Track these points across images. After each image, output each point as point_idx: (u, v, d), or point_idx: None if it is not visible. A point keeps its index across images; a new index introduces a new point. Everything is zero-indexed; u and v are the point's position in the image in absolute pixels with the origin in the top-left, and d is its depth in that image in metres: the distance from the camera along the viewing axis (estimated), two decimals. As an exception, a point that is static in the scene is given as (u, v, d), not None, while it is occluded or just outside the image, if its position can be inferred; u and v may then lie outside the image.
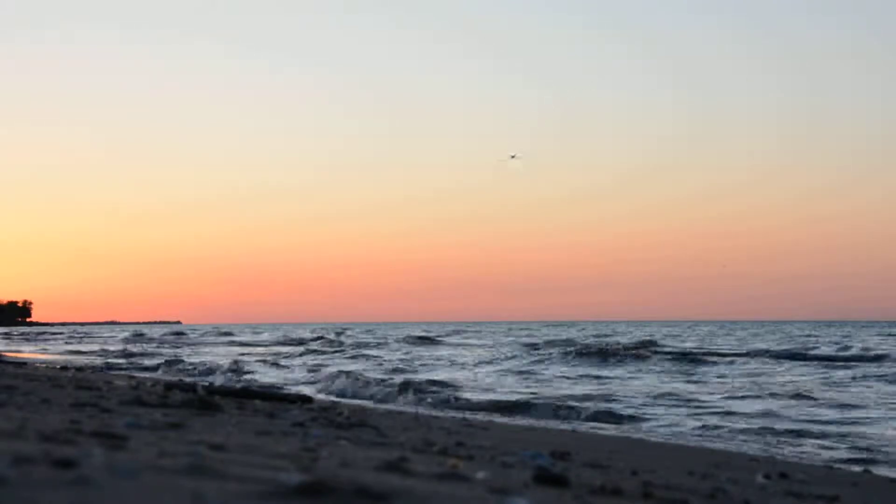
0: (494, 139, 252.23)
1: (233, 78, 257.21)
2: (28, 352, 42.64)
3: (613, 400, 18.22)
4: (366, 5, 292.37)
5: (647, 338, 54.02)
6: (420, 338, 60.95)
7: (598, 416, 15.24)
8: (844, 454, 11.35)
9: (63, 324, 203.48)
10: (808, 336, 65.38)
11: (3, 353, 28.47)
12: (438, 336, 67.30)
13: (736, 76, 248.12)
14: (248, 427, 6.08)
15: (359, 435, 6.41)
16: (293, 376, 26.06)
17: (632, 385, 22.76)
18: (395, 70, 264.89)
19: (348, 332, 78.57)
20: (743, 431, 13.30)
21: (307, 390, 17.55)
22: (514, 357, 35.57)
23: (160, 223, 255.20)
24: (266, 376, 25.61)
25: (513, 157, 56.98)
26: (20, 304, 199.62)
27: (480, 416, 13.80)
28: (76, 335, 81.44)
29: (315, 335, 67.65)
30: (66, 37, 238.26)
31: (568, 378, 25.43)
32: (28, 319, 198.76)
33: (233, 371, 26.10)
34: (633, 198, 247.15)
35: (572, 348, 37.36)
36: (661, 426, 14.22)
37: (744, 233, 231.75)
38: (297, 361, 34.24)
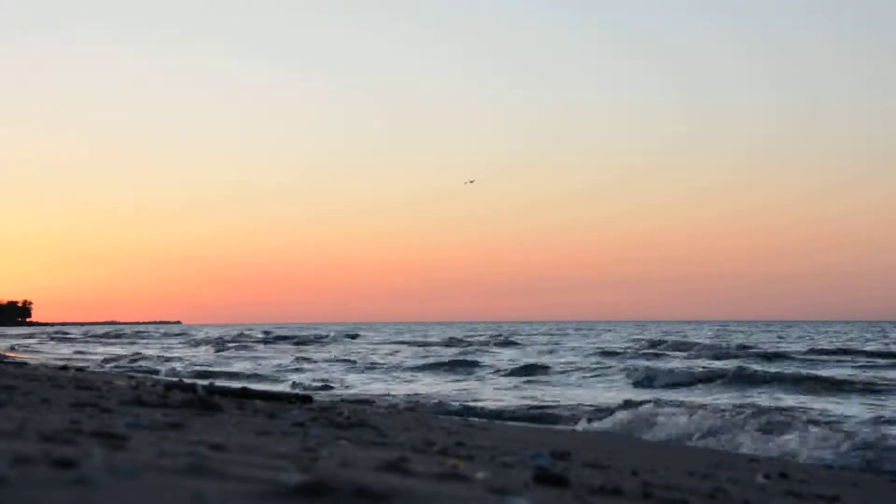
0: (494, 139, 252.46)
1: (233, 78, 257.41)
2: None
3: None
4: (365, 5, 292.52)
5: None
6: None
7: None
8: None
9: (63, 324, 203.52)
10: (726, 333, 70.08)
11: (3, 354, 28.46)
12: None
13: (736, 76, 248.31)
14: (248, 427, 6.08)
15: (359, 435, 6.41)
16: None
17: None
18: (395, 70, 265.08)
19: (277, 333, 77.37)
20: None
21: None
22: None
23: (160, 223, 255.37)
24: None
25: (471, 182, 63.22)
26: (20, 304, 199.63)
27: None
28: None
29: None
30: (66, 37, 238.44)
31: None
32: (28, 319, 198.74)
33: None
34: (633, 198, 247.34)
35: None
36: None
37: (744, 233, 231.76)
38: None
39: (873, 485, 8.05)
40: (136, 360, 32.84)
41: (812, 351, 37.46)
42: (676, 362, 30.08)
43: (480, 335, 66.54)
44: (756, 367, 25.14)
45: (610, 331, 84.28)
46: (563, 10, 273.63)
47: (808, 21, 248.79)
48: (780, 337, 61.71)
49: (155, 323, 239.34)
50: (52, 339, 66.47)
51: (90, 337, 72.38)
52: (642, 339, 51.86)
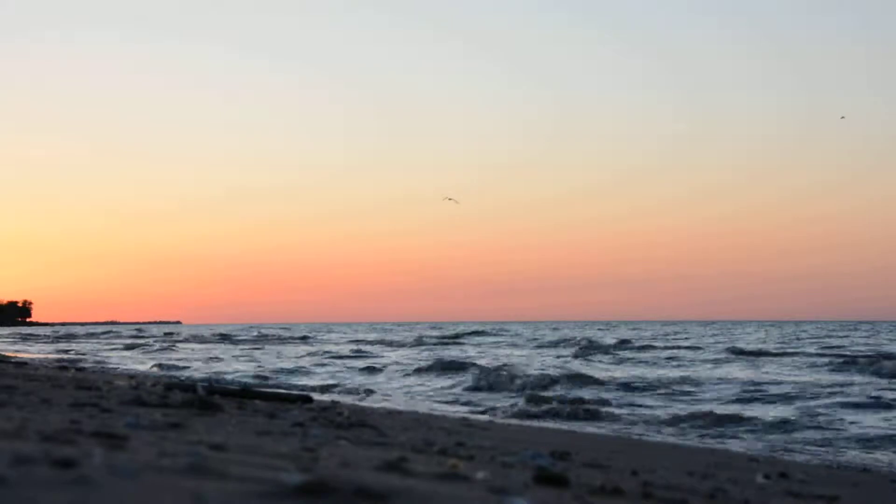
0: (494, 139, 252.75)
1: (233, 78, 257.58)
2: None
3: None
4: (365, 5, 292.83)
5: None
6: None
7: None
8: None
9: (63, 324, 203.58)
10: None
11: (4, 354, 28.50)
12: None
13: (736, 76, 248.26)
14: (248, 427, 6.08)
15: (359, 435, 6.41)
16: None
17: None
18: (395, 70, 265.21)
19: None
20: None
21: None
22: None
23: (160, 223, 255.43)
24: None
25: (449, 199, 64.79)
26: (20, 304, 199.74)
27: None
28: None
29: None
30: (66, 38, 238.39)
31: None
32: (28, 319, 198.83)
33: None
34: (633, 198, 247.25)
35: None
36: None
37: (744, 233, 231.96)
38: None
39: (873, 485, 8.05)
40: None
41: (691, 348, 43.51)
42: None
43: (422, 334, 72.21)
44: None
45: (605, 329, 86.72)
46: (563, 9, 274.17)
47: (808, 21, 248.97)
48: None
49: (155, 323, 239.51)
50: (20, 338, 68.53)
51: (57, 337, 74.56)
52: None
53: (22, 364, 20.23)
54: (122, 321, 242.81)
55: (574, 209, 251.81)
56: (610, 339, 54.59)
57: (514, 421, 14.27)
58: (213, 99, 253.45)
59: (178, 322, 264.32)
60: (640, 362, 33.47)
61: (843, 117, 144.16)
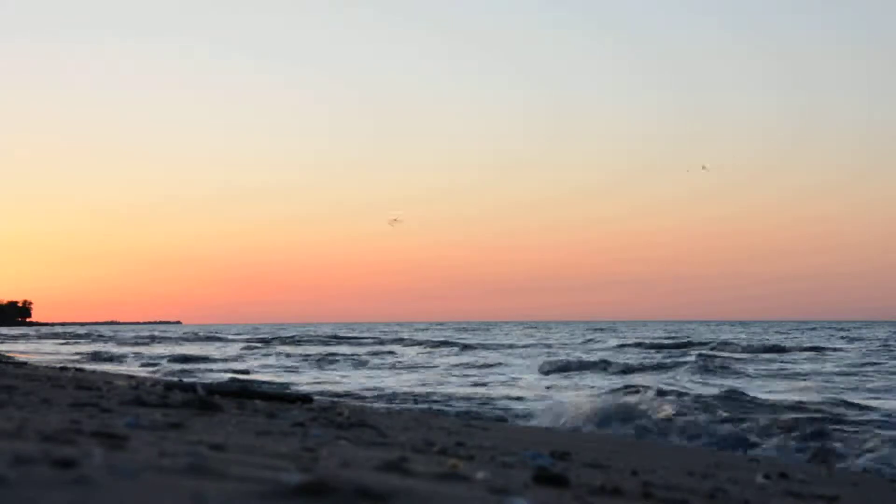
0: (491, 139, 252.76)
1: (233, 77, 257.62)
2: None
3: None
4: (361, 4, 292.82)
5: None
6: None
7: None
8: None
9: (63, 324, 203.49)
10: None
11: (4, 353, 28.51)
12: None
13: (735, 75, 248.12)
14: (248, 427, 6.08)
15: (359, 435, 6.41)
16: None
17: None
18: (394, 70, 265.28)
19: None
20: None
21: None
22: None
23: (160, 223, 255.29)
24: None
25: (394, 220, 69.71)
26: (20, 304, 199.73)
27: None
28: None
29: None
30: (66, 37, 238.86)
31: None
32: (28, 319, 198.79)
33: None
34: (632, 197, 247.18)
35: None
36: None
37: (743, 233, 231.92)
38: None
39: (873, 485, 8.05)
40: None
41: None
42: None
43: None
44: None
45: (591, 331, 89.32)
46: (561, 8, 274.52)
47: (808, 21, 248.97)
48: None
49: (155, 323, 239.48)
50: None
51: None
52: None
53: (22, 364, 20.22)
54: (122, 321, 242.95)
55: (574, 209, 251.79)
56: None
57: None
58: (213, 98, 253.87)
59: (179, 322, 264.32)
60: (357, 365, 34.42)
61: (704, 167, 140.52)
